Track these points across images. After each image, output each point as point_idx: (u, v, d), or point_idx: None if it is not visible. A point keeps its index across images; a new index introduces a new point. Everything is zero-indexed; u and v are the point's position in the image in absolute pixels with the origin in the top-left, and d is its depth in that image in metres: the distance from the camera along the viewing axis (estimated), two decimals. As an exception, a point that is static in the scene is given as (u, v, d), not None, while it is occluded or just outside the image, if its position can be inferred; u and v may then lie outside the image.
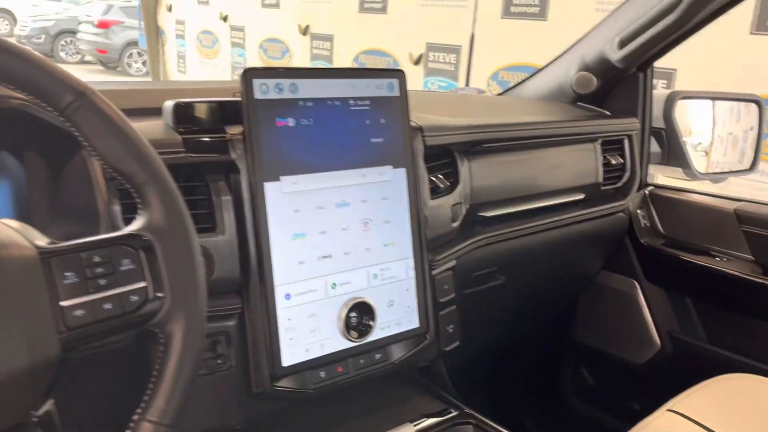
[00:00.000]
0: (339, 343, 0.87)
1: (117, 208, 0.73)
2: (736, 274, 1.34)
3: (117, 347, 0.67)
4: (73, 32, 12.01)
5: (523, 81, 1.60)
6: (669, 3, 1.20)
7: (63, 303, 0.51)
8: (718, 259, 1.39)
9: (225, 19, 5.98)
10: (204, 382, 0.80)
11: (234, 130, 0.80)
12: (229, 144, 0.79)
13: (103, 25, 10.96)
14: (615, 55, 1.32)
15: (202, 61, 6.53)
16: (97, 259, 0.53)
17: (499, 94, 1.67)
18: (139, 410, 0.53)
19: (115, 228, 0.73)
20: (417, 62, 4.22)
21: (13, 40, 0.52)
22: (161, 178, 0.56)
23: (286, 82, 0.82)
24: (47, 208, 0.77)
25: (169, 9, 6.78)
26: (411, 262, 0.94)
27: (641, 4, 1.28)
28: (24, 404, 0.51)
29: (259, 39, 5.64)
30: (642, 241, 1.47)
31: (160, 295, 0.55)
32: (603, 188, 1.36)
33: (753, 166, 1.62)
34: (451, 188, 1.04)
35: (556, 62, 1.52)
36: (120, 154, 0.54)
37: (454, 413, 0.96)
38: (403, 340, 0.94)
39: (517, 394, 1.74)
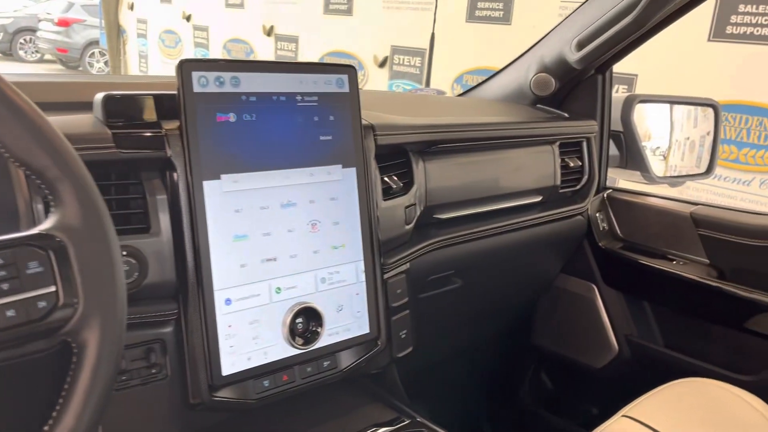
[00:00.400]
0: (283, 350, 0.83)
1: (40, 207, 0.68)
2: (692, 277, 1.34)
3: (35, 359, 0.62)
4: (33, 30, 11.69)
5: (483, 82, 1.58)
6: (626, 5, 1.19)
7: (-41, 309, 0.46)
8: (675, 262, 1.38)
9: (188, 18, 5.88)
10: (137, 393, 0.75)
11: (171, 125, 0.76)
12: (165, 139, 0.74)
13: (64, 23, 10.69)
14: (573, 56, 1.31)
15: (164, 62, 6.41)
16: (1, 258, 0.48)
17: (459, 95, 1.65)
18: (46, 427, 0.49)
19: None
20: (382, 65, 4.20)
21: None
22: (76, 172, 0.52)
23: (227, 75, 0.78)
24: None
25: (131, 7, 6.64)
26: (362, 266, 0.91)
27: (599, 6, 1.27)
28: None
29: (222, 39, 5.55)
30: (600, 244, 1.46)
31: (72, 300, 0.50)
32: (561, 191, 1.35)
33: (709, 170, 1.63)
34: (405, 189, 1.01)
35: (515, 63, 1.50)
36: (29, 145, 0.50)
37: (406, 422, 0.93)
38: (353, 346, 0.91)
39: (474, 400, 1.72)
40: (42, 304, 0.49)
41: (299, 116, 0.84)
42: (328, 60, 4.59)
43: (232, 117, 0.78)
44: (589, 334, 1.51)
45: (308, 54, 4.76)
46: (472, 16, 3.66)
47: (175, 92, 0.76)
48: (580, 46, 1.30)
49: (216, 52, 5.62)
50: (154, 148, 0.73)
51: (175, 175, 0.74)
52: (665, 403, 1.09)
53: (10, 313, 0.48)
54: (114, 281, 0.52)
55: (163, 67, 6.41)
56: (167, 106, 0.77)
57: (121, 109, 0.75)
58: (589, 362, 1.52)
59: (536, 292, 1.55)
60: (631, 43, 1.29)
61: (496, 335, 1.65)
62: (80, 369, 0.50)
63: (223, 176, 0.77)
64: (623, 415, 1.05)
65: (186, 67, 0.75)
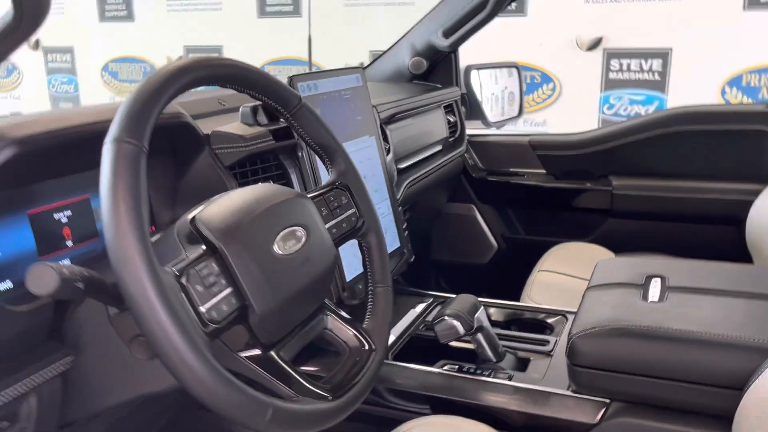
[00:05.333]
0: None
1: (234, 183, 0.99)
2: (537, 184, 1.98)
3: None
4: None
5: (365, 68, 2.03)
6: (478, 2, 1.73)
7: (326, 225, 0.82)
8: (524, 176, 2.01)
9: None
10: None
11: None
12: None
13: None
14: (443, 42, 1.83)
15: None
16: (332, 196, 0.84)
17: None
18: (370, 285, 0.87)
19: None
20: (177, 66, 4.33)
21: None
22: (342, 147, 0.88)
23: (312, 83, 1.14)
24: (168, 194, 0.98)
25: None
26: (389, 202, 1.33)
27: (455, 4, 1.80)
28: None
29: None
30: (473, 175, 2.03)
31: (361, 217, 0.88)
32: (449, 140, 1.88)
33: (520, 112, 2.29)
34: (389, 149, 1.44)
35: (388, 53, 1.98)
36: (321, 135, 0.86)
37: (441, 300, 1.39)
38: (393, 256, 1.33)
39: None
40: (353, 218, 0.86)
41: (345, 105, 1.23)
42: (113, 66, 4.57)
43: (318, 110, 1.15)
44: (474, 241, 2.08)
45: (88, 63, 4.66)
46: (263, 12, 4.01)
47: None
48: (446, 34, 1.82)
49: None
50: (288, 138, 1.08)
51: (302, 153, 1.10)
52: (557, 259, 1.69)
53: (344, 224, 0.84)
54: (371, 202, 0.90)
55: None
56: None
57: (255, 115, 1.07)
58: (478, 261, 2.10)
59: (433, 218, 2.08)
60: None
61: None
62: (372, 254, 0.88)
63: (323, 151, 1.14)
64: (539, 270, 1.62)
65: (295, 79, 1.10)
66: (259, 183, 0.81)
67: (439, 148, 1.81)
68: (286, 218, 0.74)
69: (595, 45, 3.36)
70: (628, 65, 3.32)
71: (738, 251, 1.62)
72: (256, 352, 0.69)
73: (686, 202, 1.81)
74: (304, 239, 0.74)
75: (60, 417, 0.76)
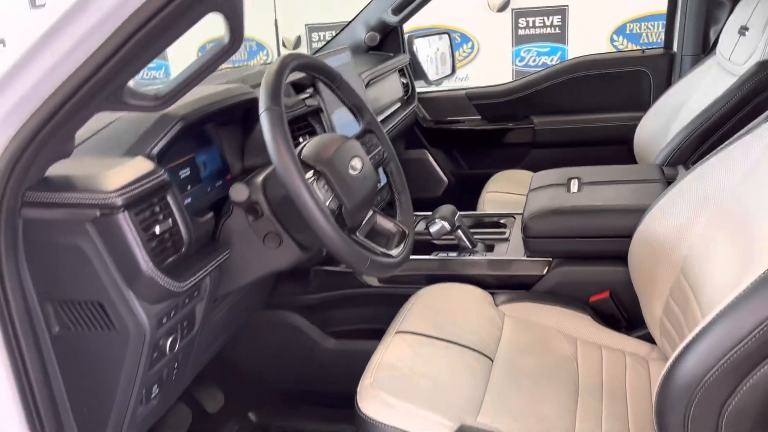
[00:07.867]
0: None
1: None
2: (474, 128, 2.47)
3: None
4: None
5: (326, 44, 2.43)
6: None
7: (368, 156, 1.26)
8: (464, 123, 2.50)
9: None
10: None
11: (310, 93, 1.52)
12: (315, 98, 1.51)
13: None
14: (393, 19, 2.26)
15: None
16: (366, 138, 1.28)
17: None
18: (396, 194, 1.32)
19: None
20: (118, 50, 4.53)
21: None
22: (367, 106, 1.32)
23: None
24: (238, 150, 1.38)
25: None
26: (377, 146, 1.77)
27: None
28: None
29: None
30: (423, 125, 2.50)
31: (385, 150, 1.32)
32: (404, 98, 2.33)
33: (453, 71, 2.76)
34: (369, 107, 1.88)
35: (344, 31, 2.39)
36: (354, 98, 1.29)
37: (420, 216, 1.86)
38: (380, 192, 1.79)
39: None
40: (381, 153, 1.30)
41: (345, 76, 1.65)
42: (51, 55, 4.69)
43: (329, 82, 1.57)
44: (428, 179, 2.56)
45: (23, 53, 4.75)
46: (199, -6, 4.27)
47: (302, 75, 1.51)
48: (395, 11, 2.25)
49: None
50: (314, 104, 1.50)
51: (323, 114, 1.52)
52: (498, 183, 2.19)
53: (377, 156, 1.29)
54: (389, 142, 1.35)
55: None
56: (298, 84, 1.52)
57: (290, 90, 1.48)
58: (433, 195, 2.58)
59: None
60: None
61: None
62: (394, 175, 1.33)
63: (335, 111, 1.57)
64: (487, 192, 2.11)
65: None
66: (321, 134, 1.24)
67: (398, 105, 2.26)
68: (350, 152, 1.18)
69: (504, 6, 3.87)
70: (533, 22, 3.86)
71: (630, 164, 2.18)
72: (346, 232, 1.13)
73: (590, 130, 2.36)
74: (360, 165, 1.19)
75: (216, 292, 1.18)
